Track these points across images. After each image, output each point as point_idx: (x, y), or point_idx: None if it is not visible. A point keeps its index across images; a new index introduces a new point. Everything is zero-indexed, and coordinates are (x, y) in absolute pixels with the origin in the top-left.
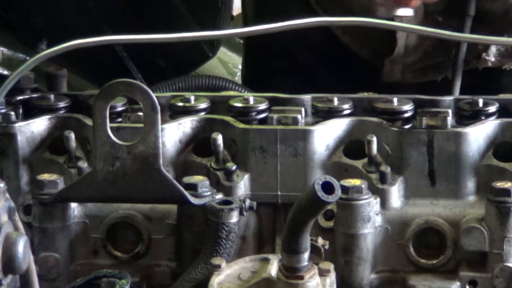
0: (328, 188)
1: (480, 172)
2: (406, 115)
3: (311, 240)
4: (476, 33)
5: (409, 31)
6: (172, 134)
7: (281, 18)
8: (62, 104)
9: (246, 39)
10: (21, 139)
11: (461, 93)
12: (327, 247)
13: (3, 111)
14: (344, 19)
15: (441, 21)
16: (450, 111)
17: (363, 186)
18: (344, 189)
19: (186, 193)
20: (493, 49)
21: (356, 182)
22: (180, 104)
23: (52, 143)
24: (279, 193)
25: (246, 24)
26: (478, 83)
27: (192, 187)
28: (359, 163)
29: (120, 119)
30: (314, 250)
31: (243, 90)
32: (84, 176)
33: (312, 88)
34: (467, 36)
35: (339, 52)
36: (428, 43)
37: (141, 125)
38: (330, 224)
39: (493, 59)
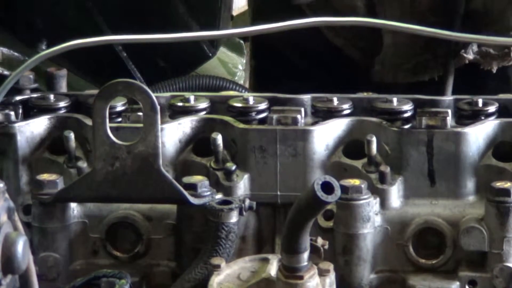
0: (327, 188)
1: (480, 172)
2: (405, 115)
3: (311, 240)
4: (462, 31)
5: (409, 31)
6: (172, 134)
7: (278, 20)
8: (62, 104)
9: (252, 48)
10: (21, 139)
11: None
12: (326, 247)
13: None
14: (344, 19)
15: (431, 19)
16: (449, 111)
17: (362, 186)
18: (344, 189)
19: (186, 193)
20: (474, 47)
21: (355, 182)
22: (180, 104)
23: (52, 143)
24: (278, 193)
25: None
26: (462, 83)
27: (192, 187)
28: (358, 163)
29: (120, 119)
30: (314, 250)
31: (243, 90)
32: (83, 176)
33: (305, 91)
34: (464, 35)
35: (331, 54)
36: (417, 42)
37: (141, 125)
38: (330, 224)
39: (471, 57)
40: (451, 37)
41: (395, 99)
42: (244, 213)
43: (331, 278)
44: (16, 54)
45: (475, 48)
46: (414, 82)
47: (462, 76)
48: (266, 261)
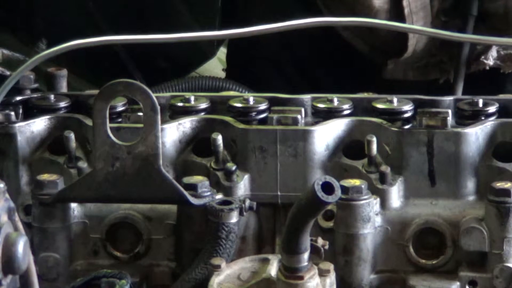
0: (328, 188)
1: (480, 172)
2: (406, 115)
3: (311, 240)
4: (478, 33)
5: (409, 31)
6: (172, 134)
7: (280, 15)
8: (62, 104)
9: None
10: (21, 139)
11: (463, 95)
12: (327, 247)
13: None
14: (344, 19)
15: (445, 21)
16: (450, 111)
17: (363, 186)
18: (344, 189)
19: (186, 193)
20: (493, 52)
21: (356, 182)
22: (180, 104)
23: (52, 143)
24: (279, 193)
25: (232, 24)
26: (481, 86)
27: (192, 187)
28: (359, 163)
29: (120, 119)
30: (314, 250)
31: (243, 91)
32: (84, 176)
33: (305, 82)
34: (467, 36)
35: (336, 46)
36: (433, 43)
37: (141, 125)
38: (330, 224)
39: (491, 62)
40: (452, 37)
41: (395, 99)
42: (244, 213)
43: (331, 278)
44: (16, 54)
45: (494, 53)
46: (426, 83)
47: (482, 80)
48: (266, 261)
